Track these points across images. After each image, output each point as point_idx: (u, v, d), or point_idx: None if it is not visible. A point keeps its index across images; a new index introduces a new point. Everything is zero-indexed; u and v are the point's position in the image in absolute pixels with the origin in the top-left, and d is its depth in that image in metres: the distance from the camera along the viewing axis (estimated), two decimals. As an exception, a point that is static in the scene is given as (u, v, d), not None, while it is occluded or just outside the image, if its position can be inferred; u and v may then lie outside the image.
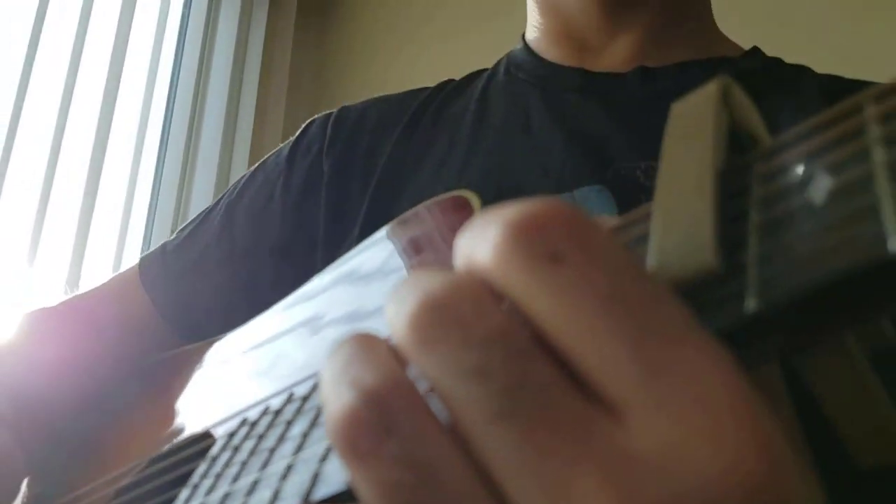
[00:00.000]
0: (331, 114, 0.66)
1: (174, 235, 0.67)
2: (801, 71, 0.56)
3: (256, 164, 0.68)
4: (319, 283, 0.44)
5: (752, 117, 0.23)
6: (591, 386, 0.15)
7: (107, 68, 1.72)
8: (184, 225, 0.68)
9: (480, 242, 0.17)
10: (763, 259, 0.16)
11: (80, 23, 1.68)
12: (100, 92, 1.70)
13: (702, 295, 0.17)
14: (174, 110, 1.93)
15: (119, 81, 1.73)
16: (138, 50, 1.82)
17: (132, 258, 0.80)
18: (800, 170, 0.18)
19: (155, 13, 1.89)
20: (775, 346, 0.17)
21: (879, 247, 0.14)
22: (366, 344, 0.18)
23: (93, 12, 1.71)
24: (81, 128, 1.67)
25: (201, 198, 1.84)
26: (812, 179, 0.17)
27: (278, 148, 0.67)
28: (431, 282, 0.17)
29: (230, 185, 0.69)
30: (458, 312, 0.16)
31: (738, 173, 0.20)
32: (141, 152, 1.78)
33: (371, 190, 0.57)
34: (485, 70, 0.65)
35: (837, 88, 0.52)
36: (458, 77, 0.66)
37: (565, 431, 0.15)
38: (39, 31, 1.61)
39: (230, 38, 1.98)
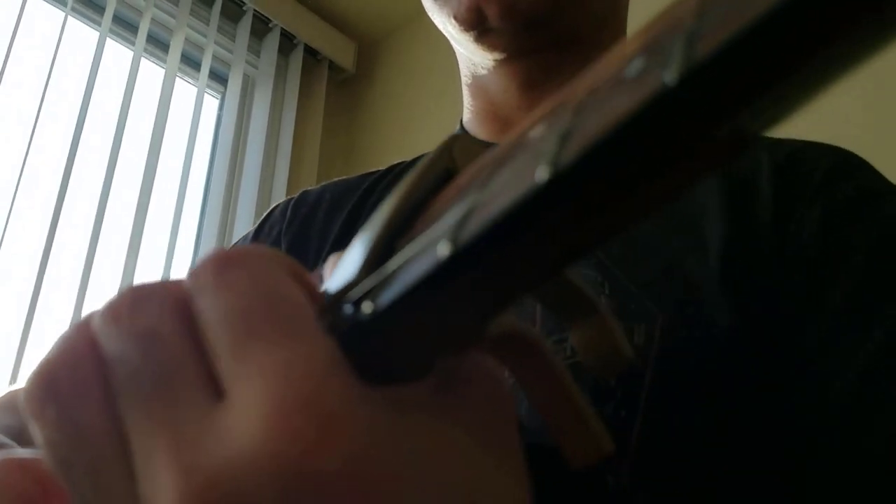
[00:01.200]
0: (292, 198, 0.71)
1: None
2: None
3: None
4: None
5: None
6: (216, 379, 0.19)
7: (143, 162, 1.82)
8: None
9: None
10: (391, 272, 0.20)
11: (120, 111, 1.81)
12: (136, 189, 1.80)
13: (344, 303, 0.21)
14: (209, 199, 2.03)
15: (154, 174, 1.82)
16: (175, 137, 1.94)
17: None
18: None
19: (191, 102, 2.01)
20: (413, 340, 0.20)
21: (437, 256, 0.18)
22: (74, 325, 0.22)
23: (133, 98, 1.83)
24: (118, 217, 1.77)
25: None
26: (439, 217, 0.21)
27: (246, 233, 0.73)
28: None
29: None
30: (141, 303, 0.20)
31: (427, 205, 0.23)
32: (175, 240, 1.86)
33: (321, 264, 0.62)
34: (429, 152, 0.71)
35: None
36: None
37: (174, 409, 0.18)
38: (78, 140, 1.73)
39: (262, 125, 2.09)
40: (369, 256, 0.21)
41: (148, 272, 1.79)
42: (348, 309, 0.20)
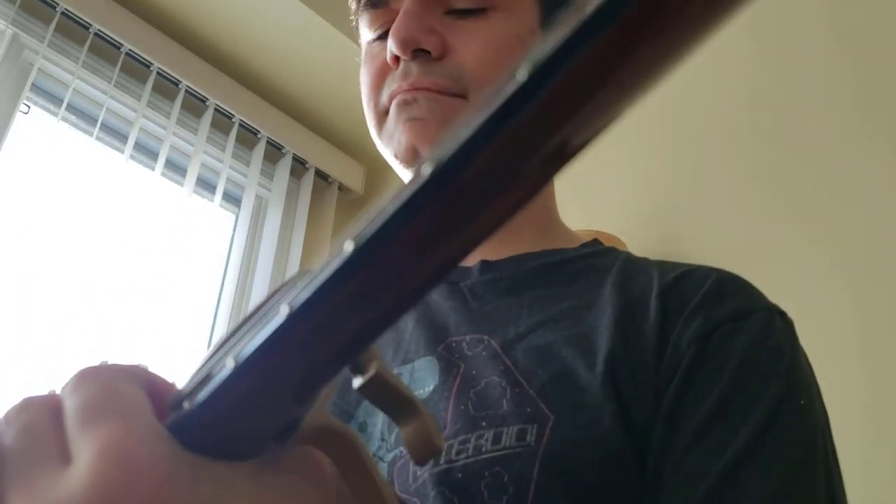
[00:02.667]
0: None
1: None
2: (617, 255, 0.67)
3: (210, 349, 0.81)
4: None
5: None
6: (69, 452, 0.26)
7: (156, 275, 1.92)
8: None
9: None
10: (204, 378, 0.27)
11: (138, 228, 1.91)
12: (150, 299, 1.89)
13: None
14: (219, 312, 2.11)
15: (164, 286, 1.92)
16: (189, 253, 2.04)
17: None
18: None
19: (206, 220, 2.12)
20: (228, 430, 0.27)
21: (224, 370, 0.25)
22: None
23: (151, 215, 1.94)
24: (126, 324, 1.86)
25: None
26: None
27: (220, 339, 0.80)
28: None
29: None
30: (25, 407, 0.29)
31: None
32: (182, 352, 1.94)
33: None
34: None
35: (631, 268, 0.62)
36: None
37: (35, 474, 0.26)
38: (97, 250, 1.83)
39: (272, 243, 2.19)
40: (201, 365, 0.28)
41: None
42: (178, 407, 0.27)
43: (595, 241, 0.71)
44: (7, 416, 0.29)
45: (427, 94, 0.65)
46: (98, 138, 1.93)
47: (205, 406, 0.26)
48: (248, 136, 2.23)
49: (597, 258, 0.66)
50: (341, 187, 2.41)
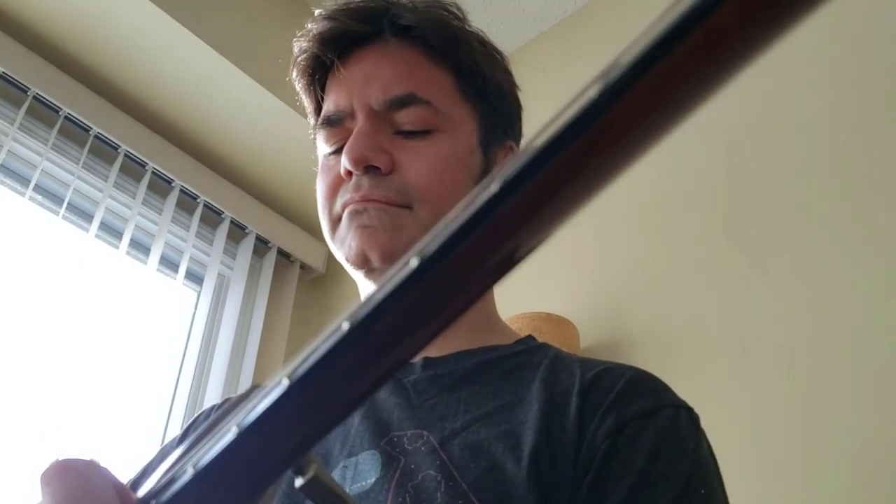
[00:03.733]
0: (216, 404, 0.84)
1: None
2: (547, 352, 0.73)
3: (160, 448, 0.85)
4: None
5: None
6: None
7: (117, 353, 1.95)
8: None
9: None
10: (170, 479, 0.32)
11: (101, 306, 1.95)
12: (109, 376, 1.91)
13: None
14: (178, 390, 2.13)
15: (121, 365, 1.94)
16: (150, 331, 2.07)
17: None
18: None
19: (168, 298, 2.16)
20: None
21: (186, 476, 0.31)
22: None
23: (114, 293, 1.98)
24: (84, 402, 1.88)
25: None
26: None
27: (175, 436, 0.85)
28: None
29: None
30: None
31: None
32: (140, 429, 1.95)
33: None
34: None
35: (558, 365, 0.69)
36: None
37: None
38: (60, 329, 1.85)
39: (233, 321, 2.24)
40: (169, 467, 0.34)
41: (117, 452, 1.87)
42: (146, 505, 0.33)
43: (529, 338, 0.77)
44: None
45: (376, 205, 0.72)
46: (64, 217, 1.98)
47: (169, 504, 0.32)
48: (212, 217, 2.29)
49: (529, 355, 0.73)
50: (303, 266, 2.47)
